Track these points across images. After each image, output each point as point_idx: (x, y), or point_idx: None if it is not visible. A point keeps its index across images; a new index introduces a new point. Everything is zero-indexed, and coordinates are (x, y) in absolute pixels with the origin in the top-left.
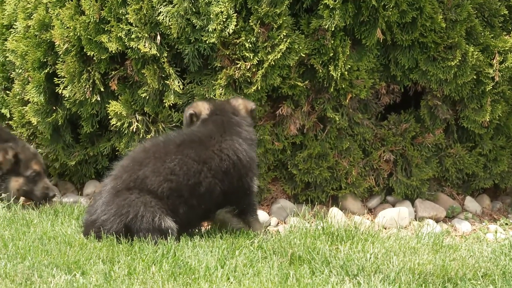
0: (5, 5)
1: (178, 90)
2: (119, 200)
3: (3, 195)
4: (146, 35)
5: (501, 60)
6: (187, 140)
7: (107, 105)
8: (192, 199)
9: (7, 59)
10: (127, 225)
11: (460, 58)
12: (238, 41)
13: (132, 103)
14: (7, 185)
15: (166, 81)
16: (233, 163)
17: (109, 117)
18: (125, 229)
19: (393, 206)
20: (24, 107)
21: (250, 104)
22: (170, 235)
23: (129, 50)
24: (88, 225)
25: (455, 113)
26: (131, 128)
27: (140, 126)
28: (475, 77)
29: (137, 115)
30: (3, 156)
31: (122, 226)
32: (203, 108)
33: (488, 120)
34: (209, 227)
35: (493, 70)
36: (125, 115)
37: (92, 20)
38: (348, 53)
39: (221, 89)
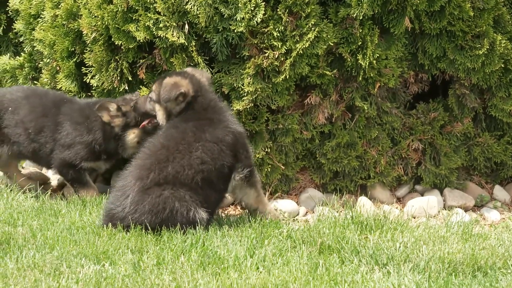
0: None
1: None
2: (151, 198)
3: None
4: (174, 24)
5: None
6: (198, 125)
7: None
8: (219, 183)
9: (35, 48)
10: (161, 221)
11: (488, 47)
12: (266, 30)
13: None
14: (124, 141)
15: None
16: (239, 133)
17: None
18: (159, 225)
19: (422, 195)
20: None
21: (207, 74)
22: (199, 225)
23: (157, 39)
24: (114, 222)
25: (483, 101)
26: None
27: None
28: (503, 65)
29: None
30: (107, 114)
31: (156, 223)
32: (189, 87)
33: None
34: (238, 216)
35: None
36: None
37: (120, 9)
38: (376, 42)
39: (249, 78)
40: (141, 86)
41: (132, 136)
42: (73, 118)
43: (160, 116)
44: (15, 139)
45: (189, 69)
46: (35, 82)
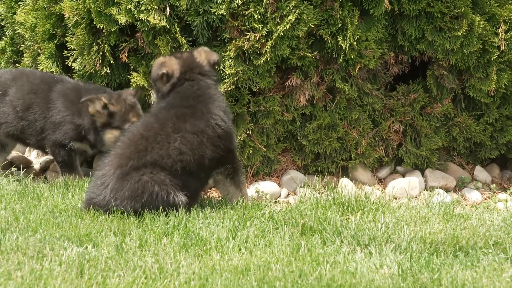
0: None
1: None
2: (130, 184)
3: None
4: (155, 7)
5: (506, 29)
6: (179, 113)
7: (116, 77)
8: (200, 173)
9: (16, 32)
10: (142, 206)
11: (466, 28)
12: (247, 12)
13: (147, 74)
14: (102, 138)
15: None
16: (222, 129)
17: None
18: (140, 209)
19: (403, 176)
20: None
21: (213, 56)
22: (181, 208)
23: (139, 22)
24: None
25: (461, 82)
26: (150, 100)
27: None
28: (481, 46)
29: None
30: (93, 108)
31: (137, 208)
32: (175, 67)
33: (494, 89)
34: (220, 198)
35: (499, 39)
36: (146, 87)
37: None
38: (356, 24)
39: (230, 61)
40: (131, 72)
41: (109, 136)
42: (67, 97)
43: (154, 96)
44: (3, 120)
45: (200, 49)
46: (17, 65)
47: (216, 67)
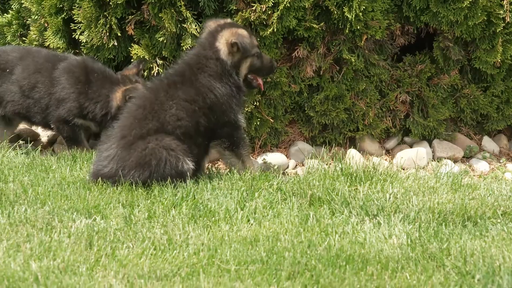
0: None
1: (195, 34)
2: (138, 152)
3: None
4: None
5: (511, 0)
6: (171, 82)
7: (123, 50)
8: (198, 138)
9: (23, 5)
10: (150, 174)
11: (470, 0)
12: None
13: (150, 47)
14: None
15: (183, 25)
16: (212, 100)
17: (132, 61)
18: (149, 178)
19: (411, 147)
20: None
21: (232, 38)
22: (187, 176)
23: None
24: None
25: (467, 54)
26: (152, 72)
27: (161, 70)
28: (486, 18)
29: (157, 59)
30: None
31: (146, 176)
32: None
33: (499, 60)
34: (228, 170)
35: (504, 11)
36: (148, 59)
37: None
38: None
39: None
40: (132, 44)
41: None
42: (72, 75)
43: None
44: (9, 98)
45: (227, 29)
46: (23, 39)
47: (233, 48)
